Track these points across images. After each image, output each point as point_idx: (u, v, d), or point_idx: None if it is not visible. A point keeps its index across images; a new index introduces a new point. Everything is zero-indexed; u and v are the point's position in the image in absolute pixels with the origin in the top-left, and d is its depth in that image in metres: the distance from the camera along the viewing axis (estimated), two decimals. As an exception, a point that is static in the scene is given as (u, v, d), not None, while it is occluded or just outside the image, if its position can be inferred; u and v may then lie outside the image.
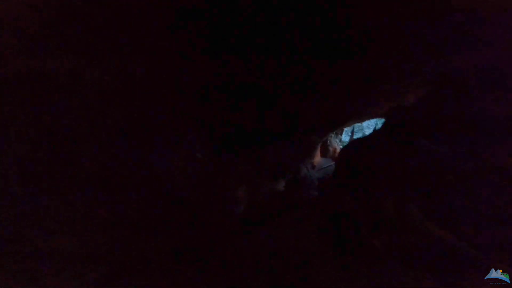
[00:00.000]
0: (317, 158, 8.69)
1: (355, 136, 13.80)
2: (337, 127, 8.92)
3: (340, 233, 2.88)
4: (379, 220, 2.86)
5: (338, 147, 9.99)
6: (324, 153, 9.49)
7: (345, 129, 11.40)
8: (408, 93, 5.74)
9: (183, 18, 3.46)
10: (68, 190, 2.37)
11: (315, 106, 6.47)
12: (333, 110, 6.77)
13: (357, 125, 13.51)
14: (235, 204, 4.15)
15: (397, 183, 3.44)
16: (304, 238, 2.43)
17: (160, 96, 4.20)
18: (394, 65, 4.61)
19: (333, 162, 8.86)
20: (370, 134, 4.55)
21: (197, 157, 5.30)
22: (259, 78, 5.34)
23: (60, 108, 2.72)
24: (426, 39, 3.76)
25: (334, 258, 2.16)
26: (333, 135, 9.77)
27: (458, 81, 4.30)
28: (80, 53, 2.78)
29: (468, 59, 3.88)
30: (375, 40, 4.00)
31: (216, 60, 4.41)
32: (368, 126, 19.62)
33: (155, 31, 3.42)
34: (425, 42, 3.84)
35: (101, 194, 2.61)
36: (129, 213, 2.70)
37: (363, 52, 4.36)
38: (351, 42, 4.23)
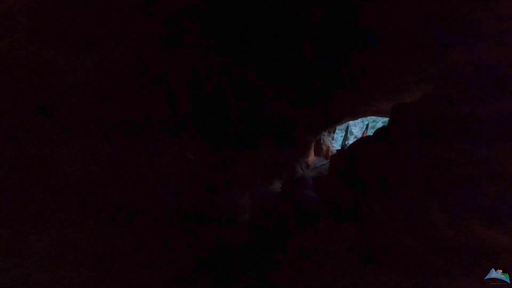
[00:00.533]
0: (311, 157, 8.55)
1: (341, 134, 13.91)
2: (331, 125, 8.82)
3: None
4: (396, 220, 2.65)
5: (331, 145, 9.91)
6: (317, 152, 9.36)
7: (338, 127, 11.35)
8: (406, 91, 5.69)
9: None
10: (41, 208, 1.94)
11: (310, 104, 6.34)
12: (328, 107, 6.66)
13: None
14: (239, 212, 3.81)
15: (401, 182, 3.29)
16: (342, 260, 2.12)
17: (147, 91, 3.80)
18: (392, 63, 4.51)
19: (327, 161, 8.75)
20: (373, 134, 4.36)
21: (188, 158, 4.93)
22: (253, 75, 5.13)
23: (32, 104, 2.27)
24: (425, 36, 3.65)
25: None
26: (326, 133, 9.65)
27: (458, 80, 4.21)
28: (57, 41, 2.34)
29: (468, 58, 3.81)
30: (373, 37, 3.87)
31: (208, 56, 4.11)
32: (355, 124, 19.97)
33: (144, 17, 3.04)
34: (424, 39, 3.74)
35: (84, 209, 2.19)
36: (118, 231, 2.31)
37: (359, 49, 4.23)
38: (347, 40, 4.09)
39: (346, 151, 4.12)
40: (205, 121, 4.90)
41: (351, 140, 12.02)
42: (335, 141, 11.77)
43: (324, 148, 9.48)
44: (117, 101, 3.23)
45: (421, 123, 3.61)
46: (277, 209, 4.18)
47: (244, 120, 5.47)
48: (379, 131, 4.25)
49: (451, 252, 1.80)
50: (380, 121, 17.28)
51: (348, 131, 12.15)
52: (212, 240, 3.04)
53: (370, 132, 12.56)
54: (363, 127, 16.27)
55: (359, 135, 14.52)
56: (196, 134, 4.88)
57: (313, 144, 8.54)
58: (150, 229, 2.67)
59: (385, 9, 3.40)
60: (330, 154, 9.20)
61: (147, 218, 2.91)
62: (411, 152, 2.73)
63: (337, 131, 13.25)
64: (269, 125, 6.21)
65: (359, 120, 18.76)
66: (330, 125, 9.02)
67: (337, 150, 8.31)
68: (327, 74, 5.28)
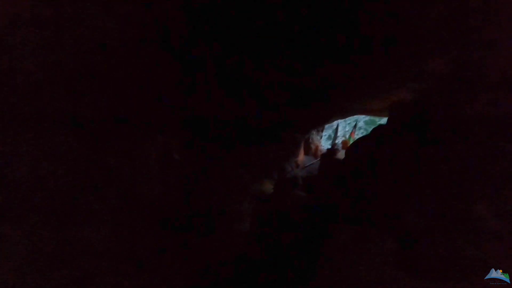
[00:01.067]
0: (301, 157, 8.39)
1: (327, 132, 13.94)
2: (321, 124, 8.73)
3: None
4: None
5: (320, 144, 9.83)
6: (306, 151, 9.24)
7: (326, 126, 11.28)
8: (398, 89, 5.66)
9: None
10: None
11: (300, 103, 6.17)
12: (318, 106, 6.53)
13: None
14: (238, 220, 3.43)
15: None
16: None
17: (126, 80, 3.34)
18: (383, 62, 4.41)
19: (316, 160, 8.65)
20: (371, 132, 4.22)
21: (174, 158, 4.51)
22: (245, 70, 4.82)
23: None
24: (421, 35, 3.56)
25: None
26: (314, 132, 9.57)
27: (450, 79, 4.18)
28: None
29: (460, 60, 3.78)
30: (365, 36, 3.74)
31: (199, 47, 3.74)
32: (337, 123, 20.17)
33: None
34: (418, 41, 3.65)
35: (44, 223, 1.75)
36: (96, 245, 1.88)
37: (350, 49, 4.09)
38: (340, 39, 3.92)
39: (349, 152, 3.93)
40: (192, 118, 4.52)
41: (337, 140, 12.03)
42: (323, 139, 11.74)
43: (313, 147, 9.38)
44: (87, 87, 2.75)
45: (420, 121, 3.50)
46: (278, 215, 3.87)
47: (234, 119, 5.16)
48: (376, 130, 4.13)
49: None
50: (362, 120, 17.50)
51: (338, 130, 12.15)
52: (209, 252, 2.67)
53: (360, 132, 12.73)
54: (345, 126, 16.39)
55: (344, 134, 14.62)
56: (183, 131, 4.48)
57: (302, 143, 8.39)
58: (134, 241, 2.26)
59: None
60: (319, 153, 9.10)
61: (130, 226, 2.50)
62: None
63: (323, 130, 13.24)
64: (259, 123, 5.93)
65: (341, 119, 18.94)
66: (319, 124, 8.92)
67: (327, 149, 8.21)
68: (317, 72, 5.09)
